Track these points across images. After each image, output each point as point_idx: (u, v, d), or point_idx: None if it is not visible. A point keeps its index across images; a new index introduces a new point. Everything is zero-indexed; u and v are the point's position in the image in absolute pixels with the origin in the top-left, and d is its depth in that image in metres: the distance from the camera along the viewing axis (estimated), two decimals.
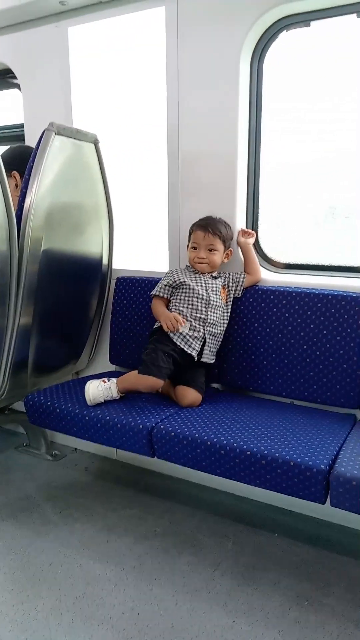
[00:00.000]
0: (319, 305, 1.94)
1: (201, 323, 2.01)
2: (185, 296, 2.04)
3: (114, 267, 2.47)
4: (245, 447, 1.57)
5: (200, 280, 2.06)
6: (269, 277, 2.17)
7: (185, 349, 1.97)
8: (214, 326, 2.03)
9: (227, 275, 2.13)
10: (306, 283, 2.05)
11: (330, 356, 1.91)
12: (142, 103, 2.35)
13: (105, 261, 2.41)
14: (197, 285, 2.04)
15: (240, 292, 2.11)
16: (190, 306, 2.02)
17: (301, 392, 1.97)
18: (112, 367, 2.49)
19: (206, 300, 2.02)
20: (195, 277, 2.07)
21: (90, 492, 2.25)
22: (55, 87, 2.49)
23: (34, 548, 1.86)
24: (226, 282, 2.11)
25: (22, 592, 1.64)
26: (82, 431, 1.89)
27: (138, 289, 2.35)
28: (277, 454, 1.52)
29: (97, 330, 2.52)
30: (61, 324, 2.31)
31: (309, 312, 1.96)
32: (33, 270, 1.97)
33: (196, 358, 2.00)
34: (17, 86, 2.73)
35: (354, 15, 1.96)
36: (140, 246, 2.53)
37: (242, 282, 2.11)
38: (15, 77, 2.67)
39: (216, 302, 2.04)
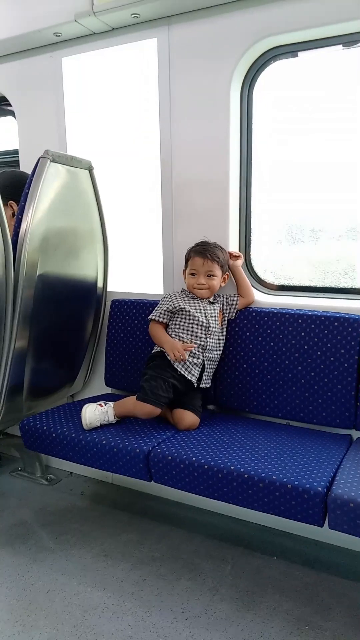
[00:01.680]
0: (313, 326, 1.96)
1: (201, 350, 2.03)
2: (185, 322, 2.05)
3: (108, 290, 2.49)
4: (242, 470, 1.58)
5: (200, 306, 2.08)
6: (262, 299, 2.20)
7: (186, 375, 1.99)
8: (212, 352, 2.05)
9: (222, 299, 2.15)
10: (300, 304, 2.08)
11: (324, 377, 1.93)
12: (136, 130, 2.40)
13: (100, 284, 2.43)
14: (197, 312, 2.05)
15: (234, 314, 2.13)
16: (190, 332, 2.04)
17: (297, 413, 1.98)
18: (108, 390, 2.49)
19: (206, 326, 2.04)
20: (194, 303, 2.08)
21: (86, 517, 2.23)
22: (50, 115, 2.54)
23: (30, 575, 1.84)
24: (221, 306, 2.13)
25: (18, 622, 1.62)
26: (78, 455, 1.89)
27: (133, 312, 2.36)
28: (274, 477, 1.52)
29: (92, 353, 2.53)
30: (57, 348, 2.31)
31: (303, 334, 1.98)
32: (29, 295, 1.99)
33: (196, 384, 2.01)
34: (12, 113, 2.78)
35: (340, 46, 2.03)
36: (135, 270, 2.55)
37: (236, 304, 2.14)
38: (10, 105, 2.72)
39: (215, 327, 2.06)
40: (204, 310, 2.07)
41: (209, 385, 2.08)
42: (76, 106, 2.51)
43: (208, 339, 2.03)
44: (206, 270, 2.07)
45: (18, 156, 2.71)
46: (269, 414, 2.05)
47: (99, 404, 1.98)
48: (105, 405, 1.98)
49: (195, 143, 2.19)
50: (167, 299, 2.13)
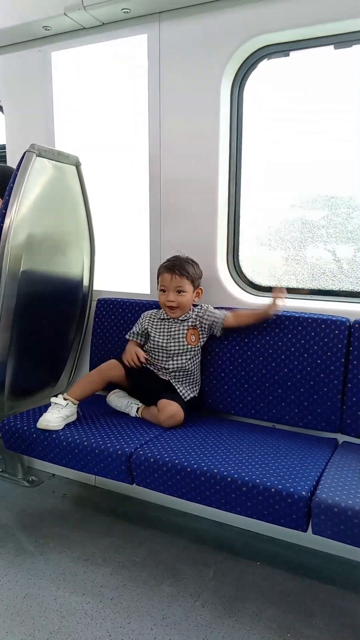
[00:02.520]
0: (300, 328, 1.94)
1: (164, 371, 2.04)
2: (149, 345, 2.09)
3: (95, 288, 2.45)
4: (226, 473, 1.54)
5: (164, 328, 2.06)
6: (250, 300, 2.18)
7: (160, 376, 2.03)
8: (182, 370, 2.03)
9: (199, 313, 2.06)
10: (288, 306, 2.05)
11: (311, 380, 1.91)
12: (124, 127, 2.36)
13: (86, 283, 2.39)
14: (158, 335, 2.05)
15: (219, 332, 2.05)
16: (153, 355, 2.07)
17: (282, 415, 1.96)
18: None
19: (165, 349, 2.03)
20: (159, 325, 2.08)
21: (67, 520, 2.18)
22: (38, 109, 2.51)
23: (7, 580, 1.79)
24: (197, 322, 2.05)
25: None
26: (58, 457, 1.84)
27: (119, 311, 2.33)
28: (257, 480, 1.49)
29: (77, 352, 2.49)
30: (40, 346, 2.27)
31: (290, 336, 1.96)
32: (12, 291, 1.94)
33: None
34: (0, 108, 2.74)
35: (332, 46, 2.02)
36: (122, 268, 2.52)
37: (222, 323, 2.03)
38: None
39: (178, 349, 2.02)
40: (167, 332, 2.04)
41: (190, 397, 2.05)
42: (65, 101, 2.47)
43: (169, 362, 2.02)
44: (175, 286, 2.01)
45: (5, 151, 2.66)
46: (255, 416, 2.02)
47: (50, 412, 1.90)
48: (54, 404, 1.92)
49: (185, 141, 2.17)
50: (140, 320, 2.15)
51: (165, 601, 1.70)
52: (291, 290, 2.20)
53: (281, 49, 2.07)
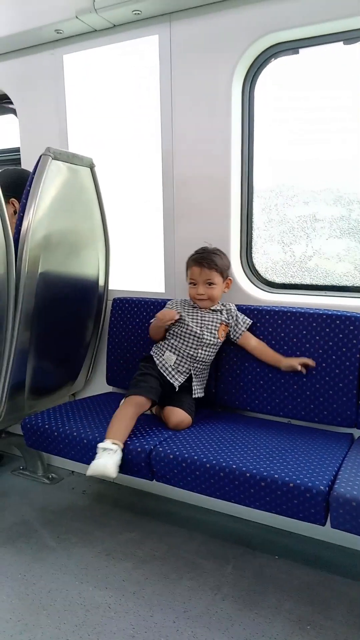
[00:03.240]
0: (314, 324, 1.96)
1: (189, 359, 2.02)
2: (179, 330, 2.04)
3: (110, 288, 2.49)
4: (244, 468, 1.57)
5: (197, 315, 2.04)
6: (264, 297, 2.19)
7: (169, 379, 2.00)
8: (202, 363, 2.04)
9: (231, 313, 2.07)
10: (302, 303, 2.07)
11: (326, 375, 1.92)
12: (137, 128, 2.39)
13: (101, 282, 2.43)
14: (193, 322, 2.02)
15: (237, 338, 2.06)
16: (182, 341, 2.03)
17: (298, 411, 1.98)
18: (110, 389, 2.48)
19: (199, 337, 2.01)
20: (192, 312, 2.05)
21: (88, 516, 2.23)
22: (51, 112, 2.54)
23: (32, 575, 1.83)
24: (229, 320, 2.07)
25: (20, 621, 1.61)
26: (79, 454, 1.88)
27: (134, 310, 2.36)
28: (276, 476, 1.52)
29: (93, 351, 2.53)
30: (58, 346, 2.31)
31: (305, 332, 1.97)
32: (30, 293, 1.98)
33: (177, 388, 2.00)
34: (14, 111, 2.78)
35: (341, 43, 2.02)
36: (137, 268, 2.55)
37: (242, 331, 2.05)
38: (11, 103, 2.72)
39: (210, 340, 2.02)
40: (201, 320, 2.03)
41: (202, 395, 2.07)
42: (77, 104, 2.50)
43: (199, 351, 2.02)
44: (205, 279, 2.01)
45: (19, 154, 2.70)
46: (270, 412, 2.04)
47: (100, 458, 1.73)
48: (103, 451, 1.74)
49: (197, 140, 2.18)
50: (168, 305, 2.12)
51: (187, 594, 1.74)
52: (304, 287, 2.22)
53: (291, 47, 2.07)
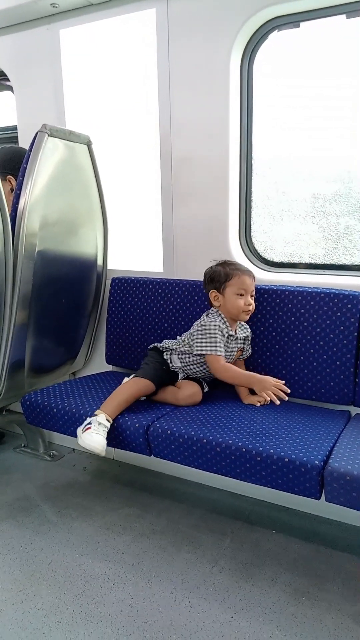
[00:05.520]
0: (312, 303, 1.96)
1: (198, 375, 2.03)
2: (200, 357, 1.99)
3: (109, 267, 2.49)
4: (240, 444, 1.59)
5: (228, 345, 1.96)
6: (262, 276, 2.19)
7: (179, 374, 2.03)
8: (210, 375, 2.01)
9: (248, 340, 2.05)
10: (299, 281, 2.07)
11: (323, 354, 1.93)
12: (135, 104, 2.36)
13: (100, 262, 2.43)
14: (226, 353, 1.95)
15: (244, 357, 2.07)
16: (200, 368, 2.00)
17: (296, 389, 1.99)
18: (109, 367, 2.50)
19: (228, 356, 1.97)
20: (228, 340, 1.96)
21: (88, 492, 2.26)
22: (48, 88, 2.51)
23: (33, 547, 1.87)
24: (244, 344, 2.04)
25: (21, 591, 1.66)
26: None
27: (133, 289, 2.36)
28: (272, 451, 1.54)
29: (93, 330, 2.54)
30: (57, 325, 2.32)
31: (302, 310, 1.98)
32: (28, 271, 1.99)
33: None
34: (10, 88, 2.74)
35: (344, 16, 1.98)
36: (135, 247, 2.54)
37: (245, 354, 2.07)
38: (8, 80, 2.68)
39: (230, 357, 1.99)
40: (230, 350, 1.98)
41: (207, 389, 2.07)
42: (75, 80, 2.47)
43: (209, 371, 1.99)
44: (252, 291, 1.97)
45: (17, 132, 2.68)
46: None
47: (87, 428, 1.79)
48: (91, 421, 1.80)
49: (195, 117, 2.16)
50: (213, 328, 1.91)
51: (184, 567, 1.77)
52: (302, 265, 2.21)
53: (291, 20, 2.03)
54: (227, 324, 1.95)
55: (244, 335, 2.02)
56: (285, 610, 1.58)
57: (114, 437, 1.83)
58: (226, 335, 1.94)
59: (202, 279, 2.17)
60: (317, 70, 2.10)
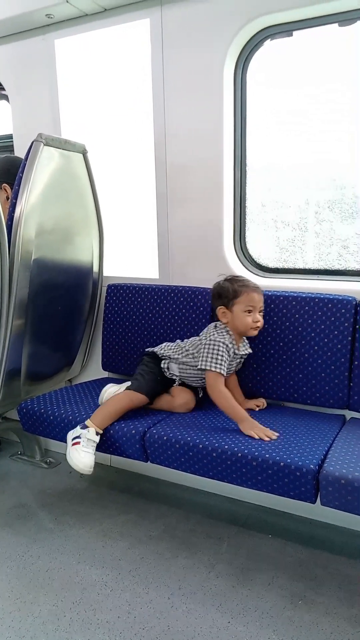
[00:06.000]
0: (307, 308, 1.98)
1: (193, 384, 2.02)
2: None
3: (104, 274, 2.50)
4: (236, 449, 1.60)
5: (232, 363, 1.94)
6: (257, 282, 2.19)
7: (176, 381, 2.03)
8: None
9: (245, 356, 2.01)
10: (294, 287, 2.09)
11: (318, 358, 1.95)
12: (130, 112, 2.38)
13: (96, 269, 2.44)
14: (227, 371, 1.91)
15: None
16: (198, 378, 2.00)
17: (291, 394, 2.00)
18: (105, 374, 2.51)
19: (227, 372, 1.90)
20: (232, 358, 1.93)
21: (85, 499, 2.26)
22: (43, 98, 2.53)
23: (30, 555, 1.87)
24: (242, 359, 2.02)
25: (19, 599, 1.65)
26: None
27: (129, 296, 2.37)
28: (267, 455, 1.55)
29: (89, 337, 2.55)
30: (53, 332, 2.33)
31: (297, 315, 1.99)
32: (24, 279, 2.00)
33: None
34: (6, 97, 2.76)
35: (336, 24, 2.01)
36: (130, 253, 2.56)
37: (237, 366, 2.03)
38: (3, 89, 2.71)
39: (228, 373, 1.93)
40: (233, 367, 1.98)
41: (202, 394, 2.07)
42: (70, 89, 2.49)
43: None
44: (261, 307, 1.93)
45: (12, 141, 2.70)
46: (263, 395, 2.06)
47: (74, 443, 1.82)
48: (81, 435, 1.82)
49: (189, 124, 2.18)
50: (222, 348, 1.86)
51: (181, 572, 1.78)
52: (297, 271, 2.23)
53: (284, 29, 2.06)
54: (234, 341, 1.92)
55: (245, 352, 1.99)
56: (282, 614, 1.58)
57: (110, 444, 1.84)
58: (232, 354, 1.91)
59: (197, 284, 2.19)
60: (310, 78, 2.13)
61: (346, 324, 1.91)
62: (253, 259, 2.29)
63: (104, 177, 2.39)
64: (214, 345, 1.87)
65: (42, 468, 2.56)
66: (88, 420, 1.85)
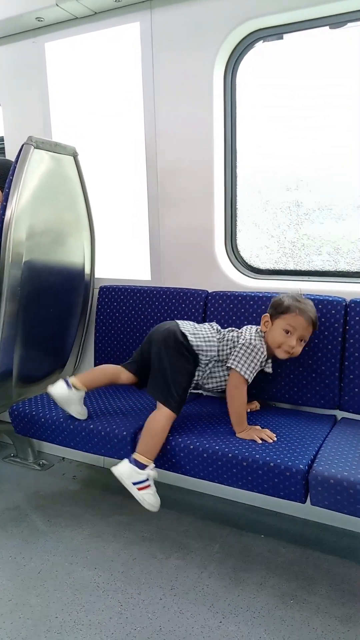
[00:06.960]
0: None
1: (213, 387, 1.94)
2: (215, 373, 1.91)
3: (96, 276, 2.50)
4: (227, 450, 1.61)
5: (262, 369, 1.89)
6: (249, 283, 2.22)
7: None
8: None
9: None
10: (286, 288, 2.09)
11: (309, 359, 1.96)
12: (120, 115, 2.39)
13: (87, 271, 2.44)
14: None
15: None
16: (218, 380, 1.92)
17: (282, 394, 2.01)
18: None
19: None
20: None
21: (78, 500, 2.27)
22: (34, 100, 2.53)
23: (22, 557, 1.87)
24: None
25: (10, 600, 1.66)
26: (67, 440, 1.91)
27: (121, 297, 2.38)
28: (257, 456, 1.56)
29: (81, 339, 2.55)
30: (45, 334, 2.33)
31: None
32: (15, 282, 2.00)
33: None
34: None
35: (327, 27, 2.02)
36: (122, 255, 2.56)
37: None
38: None
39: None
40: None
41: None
42: (61, 92, 2.49)
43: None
44: (301, 335, 1.80)
45: (3, 144, 2.70)
46: (255, 396, 2.07)
47: (142, 487, 1.77)
48: (148, 476, 1.75)
49: (180, 127, 2.20)
50: (258, 356, 1.80)
51: (174, 573, 1.78)
52: (288, 272, 2.25)
53: (275, 32, 2.07)
54: (266, 355, 1.84)
55: (267, 370, 1.90)
56: (273, 614, 1.59)
57: (102, 445, 1.84)
58: (260, 367, 1.85)
59: (189, 286, 2.20)
60: (301, 80, 2.15)
61: (336, 325, 1.92)
62: (244, 261, 2.30)
63: (96, 180, 2.40)
64: (253, 350, 1.79)
65: (35, 470, 2.56)
66: (141, 456, 1.71)
